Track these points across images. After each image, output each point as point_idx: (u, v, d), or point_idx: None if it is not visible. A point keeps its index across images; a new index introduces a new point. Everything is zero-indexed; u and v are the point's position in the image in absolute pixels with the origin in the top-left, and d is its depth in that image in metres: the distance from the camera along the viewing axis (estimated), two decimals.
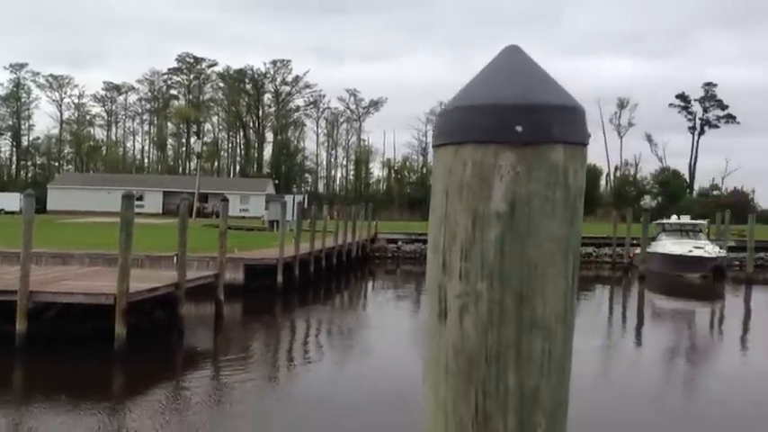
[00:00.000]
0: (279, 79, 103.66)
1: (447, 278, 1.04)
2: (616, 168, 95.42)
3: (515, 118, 1.00)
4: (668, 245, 35.62)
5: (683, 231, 37.51)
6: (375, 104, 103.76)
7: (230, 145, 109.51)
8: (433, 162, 1.11)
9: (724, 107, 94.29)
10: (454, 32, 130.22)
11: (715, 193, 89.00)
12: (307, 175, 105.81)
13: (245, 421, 10.66)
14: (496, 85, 1.04)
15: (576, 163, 1.03)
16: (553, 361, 1.01)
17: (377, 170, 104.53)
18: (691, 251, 34.20)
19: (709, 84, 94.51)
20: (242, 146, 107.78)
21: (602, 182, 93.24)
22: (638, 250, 36.05)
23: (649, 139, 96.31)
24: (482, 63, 1.11)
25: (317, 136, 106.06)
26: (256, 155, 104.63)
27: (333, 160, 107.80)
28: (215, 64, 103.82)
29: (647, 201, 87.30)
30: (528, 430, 0.99)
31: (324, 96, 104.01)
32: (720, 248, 35.68)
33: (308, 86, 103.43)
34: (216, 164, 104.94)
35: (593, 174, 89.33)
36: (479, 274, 1.01)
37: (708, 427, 11.36)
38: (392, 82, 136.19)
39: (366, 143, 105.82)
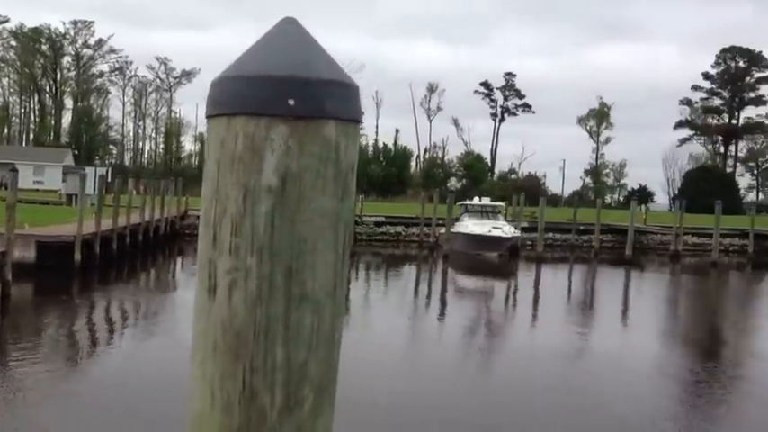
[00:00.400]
0: (80, 41, 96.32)
1: (217, 253, 1.01)
2: (425, 151, 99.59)
3: (288, 91, 0.99)
4: (470, 225, 37.82)
5: (483, 212, 39.92)
6: (187, 75, 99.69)
7: (23, 110, 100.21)
8: (207, 133, 1.07)
9: (521, 96, 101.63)
10: (267, 6, 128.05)
11: (513, 177, 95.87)
12: (111, 146, 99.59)
13: (39, 410, 9.91)
14: (270, 56, 1.02)
15: (348, 139, 1.04)
16: (322, 335, 1.02)
17: (188, 144, 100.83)
18: (490, 231, 36.55)
19: (509, 74, 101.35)
20: (36, 112, 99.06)
21: (413, 163, 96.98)
22: (443, 230, 37.90)
23: (456, 123, 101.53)
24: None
25: (123, 105, 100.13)
26: (53, 122, 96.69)
27: (140, 132, 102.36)
28: (6, 20, 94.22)
29: (453, 182, 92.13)
30: (295, 405, 1.00)
31: (131, 63, 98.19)
32: (516, 229, 38.48)
33: (113, 51, 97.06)
34: (6, 131, 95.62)
35: (404, 155, 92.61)
36: (249, 248, 0.99)
37: (500, 396, 12.27)
38: (206, 53, 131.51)
39: (177, 115, 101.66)
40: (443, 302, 24.11)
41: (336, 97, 1.02)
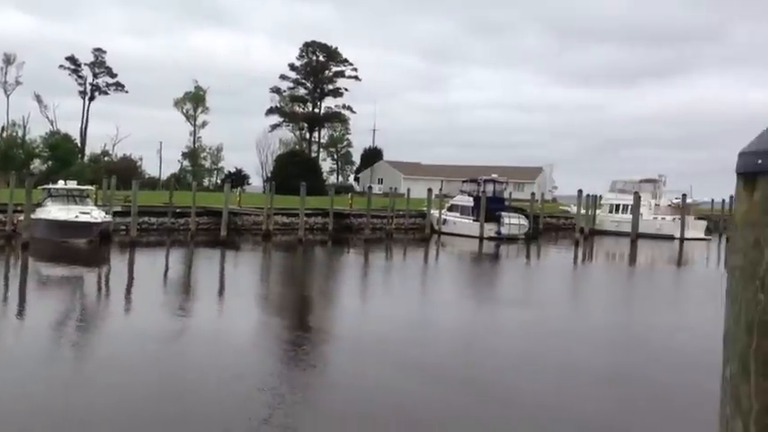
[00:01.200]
0: None
1: None
2: (3, 129, 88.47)
3: None
4: (54, 211, 35.09)
5: (69, 197, 37.29)
6: None
7: None
8: None
9: (113, 75, 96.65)
10: None
11: (106, 159, 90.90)
12: None
13: None
14: None
15: None
16: None
17: None
18: (77, 217, 34.33)
19: (98, 50, 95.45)
20: None
21: None
22: (21, 217, 34.35)
23: (39, 99, 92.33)
24: None
25: None
26: None
27: None
28: None
29: (38, 164, 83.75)
30: None
31: None
32: (107, 213, 36.68)
33: None
34: None
35: None
36: None
37: (96, 393, 11.44)
38: None
39: None
40: (23, 297, 21.65)
41: None
